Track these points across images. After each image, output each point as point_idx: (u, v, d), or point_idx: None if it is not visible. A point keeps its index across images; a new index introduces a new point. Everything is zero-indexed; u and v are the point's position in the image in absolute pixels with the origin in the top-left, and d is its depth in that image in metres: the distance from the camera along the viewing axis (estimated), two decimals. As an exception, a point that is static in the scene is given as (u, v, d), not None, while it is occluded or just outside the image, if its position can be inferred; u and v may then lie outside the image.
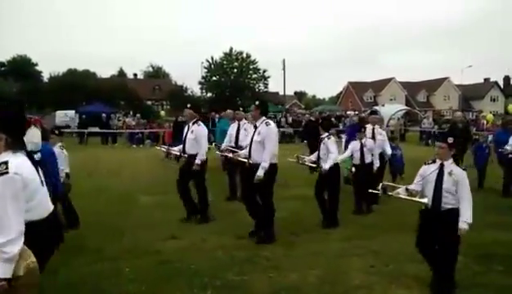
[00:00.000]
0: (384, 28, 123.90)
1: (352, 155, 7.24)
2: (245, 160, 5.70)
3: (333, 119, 24.90)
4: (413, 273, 4.48)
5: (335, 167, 6.26)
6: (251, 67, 51.01)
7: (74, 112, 28.93)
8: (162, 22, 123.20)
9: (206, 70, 50.29)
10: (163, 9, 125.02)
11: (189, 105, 6.82)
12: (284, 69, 39.97)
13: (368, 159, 7.21)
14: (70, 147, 17.14)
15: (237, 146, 7.78)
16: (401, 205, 6.28)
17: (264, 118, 5.66)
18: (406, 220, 5.73)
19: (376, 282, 4.31)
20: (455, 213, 3.97)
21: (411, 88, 55.62)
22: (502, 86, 58.54)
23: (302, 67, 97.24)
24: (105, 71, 67.11)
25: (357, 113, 25.62)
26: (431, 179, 4.09)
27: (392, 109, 29.63)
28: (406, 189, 4.21)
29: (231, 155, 6.67)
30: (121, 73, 60.88)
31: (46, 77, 51.60)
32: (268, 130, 5.48)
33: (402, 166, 8.86)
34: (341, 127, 22.50)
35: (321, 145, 6.40)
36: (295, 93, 66.69)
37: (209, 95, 50.01)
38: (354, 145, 7.23)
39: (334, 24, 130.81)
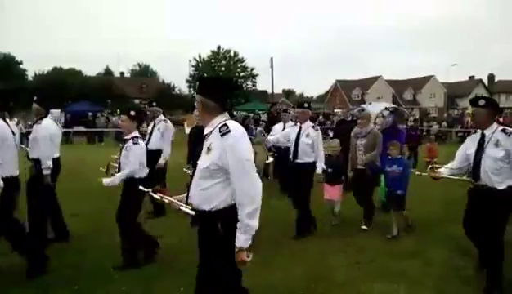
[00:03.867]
0: (371, 27, 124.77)
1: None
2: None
3: (321, 117, 25.01)
4: (398, 269, 4.53)
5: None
6: (239, 65, 50.98)
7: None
8: (149, 21, 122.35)
9: (194, 68, 50.12)
10: (149, 7, 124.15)
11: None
12: (272, 67, 40.00)
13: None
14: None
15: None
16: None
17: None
18: (391, 217, 5.80)
19: (361, 278, 4.35)
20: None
21: (398, 86, 56.07)
22: (487, 84, 59.42)
23: (290, 65, 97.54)
24: (91, 70, 66.36)
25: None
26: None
27: (379, 107, 29.89)
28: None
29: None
30: (108, 72, 60.29)
31: (30, 75, 50.88)
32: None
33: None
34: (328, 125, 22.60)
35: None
36: (283, 91, 66.78)
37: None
38: None
39: (321, 23, 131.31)
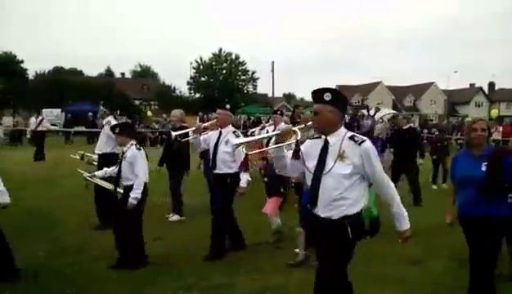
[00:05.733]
0: (372, 33, 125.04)
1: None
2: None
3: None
4: (397, 276, 4.52)
5: None
6: (240, 68, 51.04)
7: (60, 110, 28.56)
8: (150, 22, 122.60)
9: (195, 71, 50.18)
10: (151, 9, 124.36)
11: None
12: (273, 70, 40.03)
13: None
14: (55, 146, 16.99)
15: None
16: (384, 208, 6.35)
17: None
18: (390, 223, 5.78)
19: (359, 283, 4.32)
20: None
21: (398, 92, 56.21)
22: (487, 92, 59.54)
23: (290, 70, 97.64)
24: (92, 70, 66.18)
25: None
26: None
27: (379, 112, 29.90)
28: None
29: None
30: (108, 73, 60.32)
31: (31, 75, 50.85)
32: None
33: None
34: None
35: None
36: (284, 95, 66.86)
37: (198, 95, 49.87)
38: None
39: (322, 28, 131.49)
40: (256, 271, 4.58)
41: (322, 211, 2.92)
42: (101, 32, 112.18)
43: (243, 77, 51.30)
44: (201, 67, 50.28)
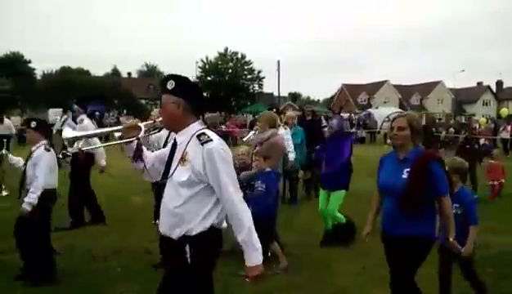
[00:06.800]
0: (378, 31, 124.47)
1: None
2: None
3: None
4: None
5: None
6: (246, 68, 51.03)
7: (60, 110, 28.55)
8: (157, 21, 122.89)
9: (201, 70, 50.23)
10: (157, 8, 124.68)
11: None
12: (278, 70, 39.98)
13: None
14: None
15: None
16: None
17: None
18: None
19: (367, 284, 4.32)
20: None
21: (405, 91, 55.92)
22: (495, 91, 59.01)
23: (296, 69, 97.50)
24: (98, 70, 66.57)
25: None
26: None
27: (386, 111, 29.81)
28: None
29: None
30: (115, 72, 60.62)
31: (39, 74, 51.22)
32: None
33: None
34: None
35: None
36: (290, 94, 66.76)
37: (204, 94, 49.94)
38: None
39: (328, 27, 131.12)
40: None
41: (162, 227, 2.37)
42: (107, 32, 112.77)
43: (249, 77, 51.29)
44: (207, 66, 50.33)
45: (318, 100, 79.22)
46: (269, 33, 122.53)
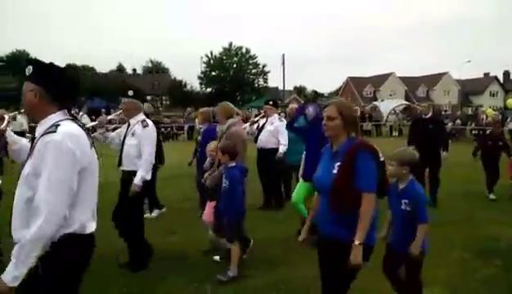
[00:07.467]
0: (384, 23, 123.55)
1: None
2: None
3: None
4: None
5: None
6: (250, 62, 50.98)
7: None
8: (160, 18, 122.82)
9: (205, 65, 50.24)
10: (161, 4, 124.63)
11: None
12: (283, 63, 39.92)
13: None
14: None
15: None
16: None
17: None
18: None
19: (374, 277, 4.29)
20: None
21: (411, 83, 55.53)
22: (502, 81, 58.48)
23: (301, 62, 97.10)
24: (103, 67, 66.69)
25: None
26: None
27: (391, 104, 29.66)
28: None
29: None
30: (120, 69, 60.76)
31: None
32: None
33: None
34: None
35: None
36: (295, 88, 66.59)
37: (209, 90, 49.98)
38: None
39: (333, 19, 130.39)
40: (269, 264, 4.59)
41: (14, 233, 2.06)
42: (112, 29, 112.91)
43: (254, 71, 51.25)
44: (212, 61, 50.35)
45: (323, 94, 78.98)
46: (274, 27, 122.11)
